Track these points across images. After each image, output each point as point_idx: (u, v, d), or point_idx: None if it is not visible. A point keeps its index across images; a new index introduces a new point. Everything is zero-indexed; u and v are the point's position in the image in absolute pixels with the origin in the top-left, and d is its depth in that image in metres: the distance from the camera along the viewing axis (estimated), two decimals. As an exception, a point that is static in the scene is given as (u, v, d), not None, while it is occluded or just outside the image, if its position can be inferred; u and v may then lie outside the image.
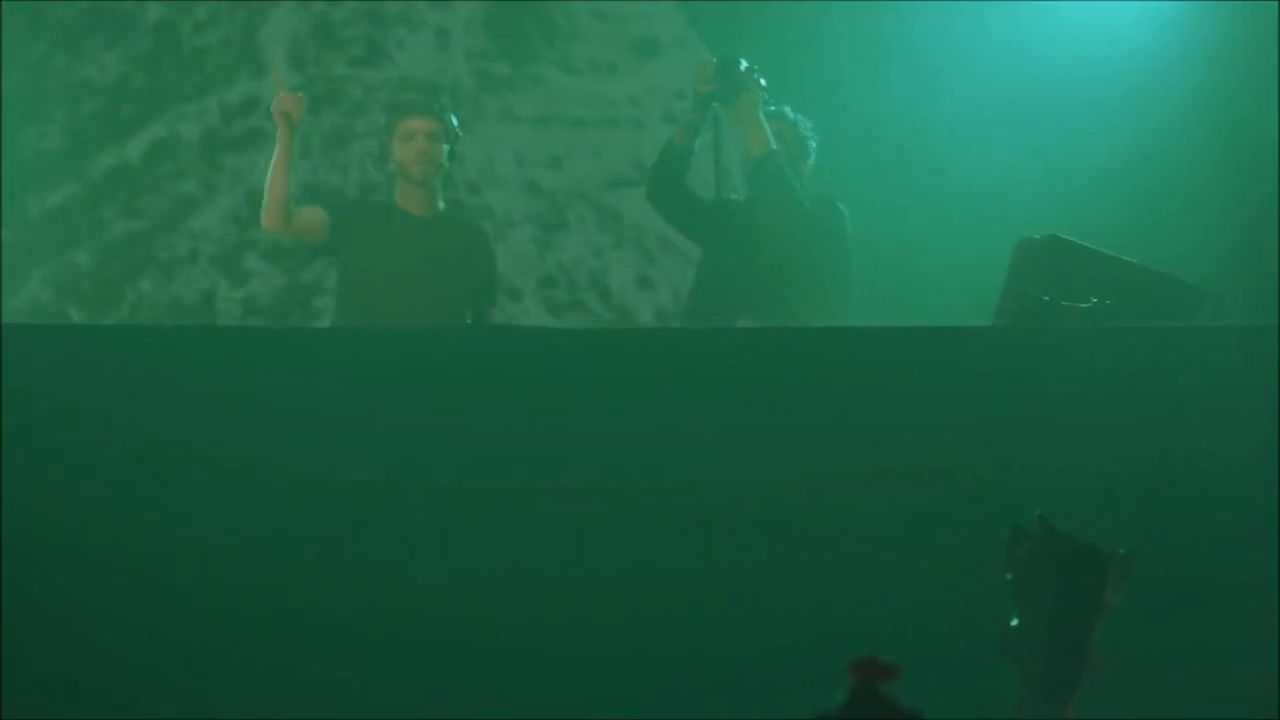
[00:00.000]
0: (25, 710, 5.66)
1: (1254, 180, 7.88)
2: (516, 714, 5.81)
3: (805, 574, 5.88)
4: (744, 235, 7.41)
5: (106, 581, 5.80)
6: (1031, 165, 8.25)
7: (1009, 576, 4.00)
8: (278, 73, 7.21)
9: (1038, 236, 6.63)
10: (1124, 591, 3.99)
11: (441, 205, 6.96)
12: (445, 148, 6.94)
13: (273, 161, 6.83)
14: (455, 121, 7.02)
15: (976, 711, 4.62)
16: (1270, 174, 7.77)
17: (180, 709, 5.77)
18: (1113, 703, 5.36)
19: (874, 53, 8.73)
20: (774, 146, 7.18)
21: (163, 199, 8.82)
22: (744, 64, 7.30)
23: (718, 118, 7.34)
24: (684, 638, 5.89)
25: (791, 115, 7.44)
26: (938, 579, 5.70)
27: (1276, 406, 5.98)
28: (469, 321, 6.36)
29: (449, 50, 9.06)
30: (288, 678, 5.78)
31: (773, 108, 7.29)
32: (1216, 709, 5.87)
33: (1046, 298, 6.32)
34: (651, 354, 6.32)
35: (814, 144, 7.40)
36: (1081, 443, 5.98)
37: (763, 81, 7.22)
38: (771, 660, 5.85)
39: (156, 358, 6.07)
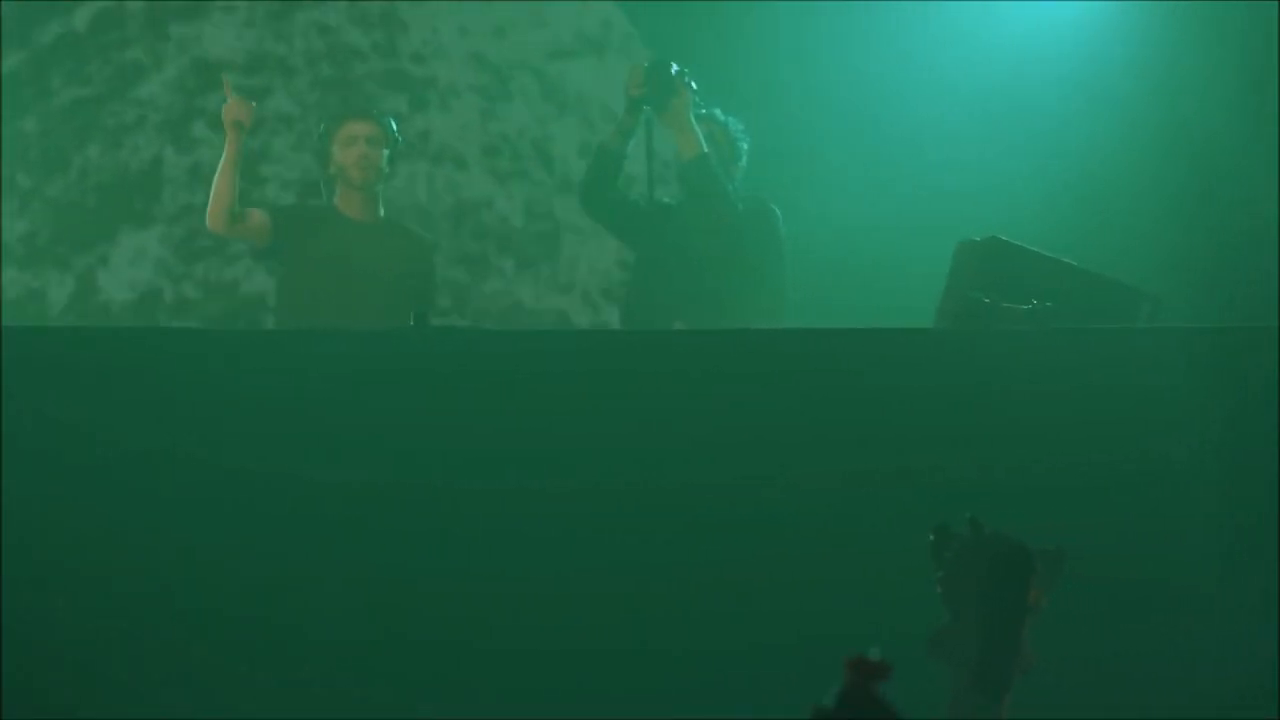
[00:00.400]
0: (24, 710, 5.68)
1: (1194, 183, 7.94)
2: (502, 712, 5.84)
3: (761, 572, 5.89)
4: (677, 237, 7.44)
5: (99, 580, 5.79)
6: (973, 167, 8.30)
7: (937, 577, 4.08)
8: (227, 84, 7.24)
9: (978, 238, 6.66)
10: (1057, 590, 4.07)
11: (382, 211, 7.01)
12: (385, 153, 6.97)
13: (220, 164, 6.88)
14: (395, 127, 7.07)
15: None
16: (1210, 176, 7.85)
17: (170, 708, 5.78)
18: (1062, 703, 5.71)
19: (819, 55, 8.76)
20: (705, 149, 7.21)
21: (109, 67, 8.80)
22: (675, 68, 7.34)
23: (649, 121, 7.37)
24: (657, 636, 5.90)
25: (722, 118, 7.47)
26: (884, 580, 5.66)
27: (1218, 407, 6.03)
28: (411, 324, 6.37)
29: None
30: (275, 674, 5.78)
31: (704, 111, 7.32)
32: (1167, 708, 5.90)
33: (987, 300, 6.37)
34: (603, 355, 6.34)
35: (745, 146, 7.43)
36: (1020, 443, 6.00)
37: (694, 85, 7.26)
38: (743, 658, 5.87)
39: (131, 358, 6.06)
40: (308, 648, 5.90)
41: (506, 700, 5.88)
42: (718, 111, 7.52)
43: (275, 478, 5.93)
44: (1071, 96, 8.27)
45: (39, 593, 5.84)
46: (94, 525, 5.89)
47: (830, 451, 6.09)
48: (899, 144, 8.57)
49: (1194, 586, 5.98)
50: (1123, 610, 6.04)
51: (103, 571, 5.87)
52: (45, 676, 5.80)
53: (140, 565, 5.88)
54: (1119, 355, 6.15)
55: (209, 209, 6.91)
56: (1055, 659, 5.47)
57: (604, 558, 5.98)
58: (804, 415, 6.09)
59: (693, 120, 7.28)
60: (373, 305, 6.83)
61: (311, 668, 5.88)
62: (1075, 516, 5.94)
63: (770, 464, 6.09)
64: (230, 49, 8.93)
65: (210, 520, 5.89)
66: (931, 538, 4.18)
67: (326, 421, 5.97)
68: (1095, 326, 6.39)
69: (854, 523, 5.77)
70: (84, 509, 5.89)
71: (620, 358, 6.35)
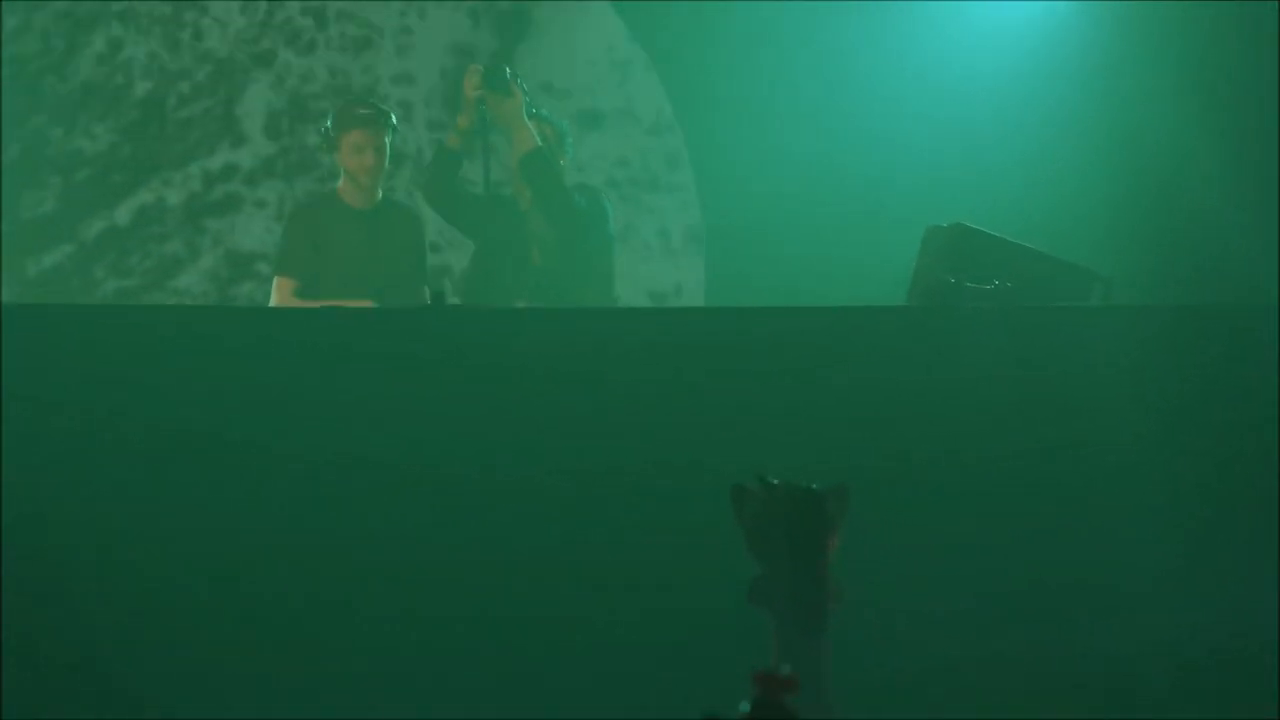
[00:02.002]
0: (25, 690, 5.70)
1: (1141, 173, 7.94)
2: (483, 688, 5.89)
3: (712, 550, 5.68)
4: (516, 225, 7.61)
5: (99, 557, 5.84)
6: (941, 160, 8.41)
7: (743, 532, 4.18)
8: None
9: (945, 224, 6.80)
10: (846, 522, 4.17)
11: (380, 195, 7.25)
12: (387, 148, 7.19)
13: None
14: (394, 120, 7.27)
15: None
16: (1156, 168, 7.85)
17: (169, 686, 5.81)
18: (990, 694, 5.94)
19: (795, 56, 8.92)
20: (539, 144, 7.39)
21: (149, 259, 9.02)
22: (509, 71, 7.54)
23: (485, 120, 7.56)
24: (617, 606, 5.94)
25: (548, 115, 7.70)
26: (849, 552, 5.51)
27: (1164, 378, 6.19)
28: (428, 301, 6.59)
29: None
30: (272, 644, 5.84)
31: (534, 111, 7.53)
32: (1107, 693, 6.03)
33: (953, 279, 6.50)
34: (586, 332, 6.37)
35: (570, 140, 7.67)
36: (981, 415, 6.13)
37: (524, 86, 7.48)
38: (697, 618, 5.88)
39: (136, 337, 6.14)
40: (311, 619, 5.92)
41: (479, 681, 5.91)
42: (544, 111, 7.77)
43: (276, 455, 5.98)
44: (1031, 95, 8.35)
45: (40, 573, 5.81)
46: (93, 504, 5.89)
47: (802, 424, 6.15)
48: (876, 140, 8.69)
49: (1147, 557, 6.08)
50: (1080, 584, 6.11)
51: (102, 549, 5.86)
52: (46, 655, 5.79)
53: (139, 541, 5.89)
54: (1074, 331, 6.31)
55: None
56: (1010, 637, 5.97)
57: (586, 531, 6.03)
58: (783, 390, 6.19)
59: (525, 119, 7.46)
60: (375, 280, 7.09)
61: (310, 641, 5.90)
62: (1033, 486, 6.10)
63: (754, 438, 6.14)
64: (260, 240, 9.11)
65: (214, 498, 5.94)
66: (731, 498, 4.26)
67: (311, 398, 6.02)
68: (1052, 305, 6.56)
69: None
70: (82, 488, 5.91)
71: (591, 335, 6.38)
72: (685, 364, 6.22)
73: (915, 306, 6.70)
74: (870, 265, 7.86)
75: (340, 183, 7.23)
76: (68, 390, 5.97)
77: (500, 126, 7.57)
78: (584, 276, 7.58)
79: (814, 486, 4.16)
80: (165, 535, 5.90)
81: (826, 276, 8.29)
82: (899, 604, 6.02)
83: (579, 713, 5.92)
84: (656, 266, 9.56)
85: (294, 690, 5.87)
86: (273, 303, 7.19)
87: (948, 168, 8.34)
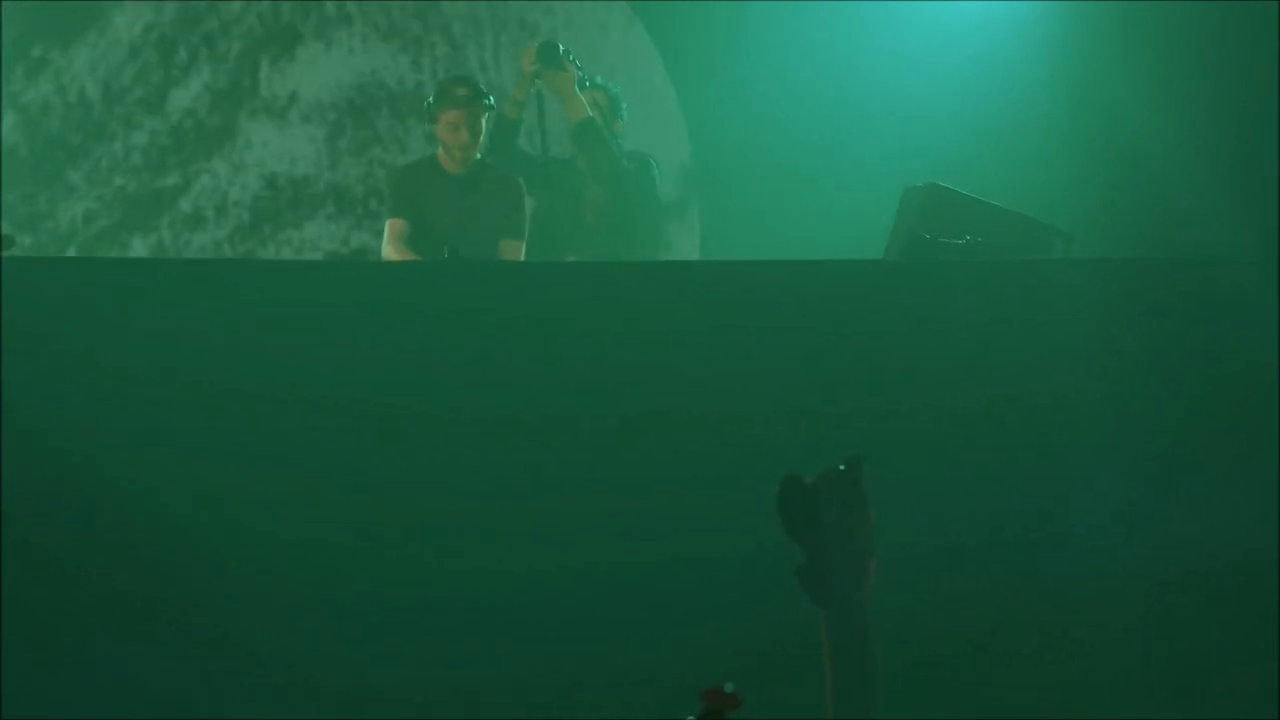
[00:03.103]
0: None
1: (1100, 140, 7.95)
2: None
3: (708, 495, 6.01)
4: (570, 189, 7.95)
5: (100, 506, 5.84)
6: (918, 127, 8.52)
7: (783, 525, 4.03)
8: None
9: (920, 184, 7.00)
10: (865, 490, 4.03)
11: (478, 156, 7.56)
12: (483, 124, 7.49)
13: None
14: (490, 100, 7.56)
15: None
16: (1111, 136, 7.87)
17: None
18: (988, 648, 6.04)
19: (796, 50, 9.06)
20: (590, 114, 7.75)
21: None
22: (562, 48, 7.89)
23: (541, 93, 7.92)
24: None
25: (602, 82, 8.03)
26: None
27: (1119, 323, 6.31)
28: (446, 256, 6.85)
29: None
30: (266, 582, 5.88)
31: (588, 83, 7.88)
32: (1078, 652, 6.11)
33: (928, 235, 6.67)
34: (610, 286, 6.45)
35: (624, 105, 7.99)
36: (954, 360, 6.26)
37: (578, 62, 7.83)
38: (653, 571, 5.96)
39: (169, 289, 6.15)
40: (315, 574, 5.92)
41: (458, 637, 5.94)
42: (598, 78, 8.08)
43: (274, 399, 5.98)
44: (1000, 69, 8.45)
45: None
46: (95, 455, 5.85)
47: (788, 371, 6.23)
48: (858, 109, 8.87)
49: (1111, 490, 6.19)
50: (1051, 517, 6.21)
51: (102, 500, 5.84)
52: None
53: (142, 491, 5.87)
54: (1039, 281, 6.45)
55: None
56: (988, 571, 6.05)
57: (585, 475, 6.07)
58: (771, 339, 6.26)
59: (578, 90, 7.82)
60: (471, 241, 7.35)
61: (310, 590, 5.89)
62: (1001, 423, 6.23)
63: (740, 385, 6.21)
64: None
65: (229, 448, 5.94)
66: (780, 491, 4.07)
67: (336, 348, 6.04)
68: (1018, 258, 6.69)
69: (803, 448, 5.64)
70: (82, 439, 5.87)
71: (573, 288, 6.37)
72: (676, 317, 6.26)
73: (893, 260, 6.84)
74: (852, 222, 8.03)
75: (439, 150, 7.58)
76: (123, 345, 5.96)
77: (556, 98, 7.88)
78: (632, 237, 7.88)
79: (843, 466, 4.07)
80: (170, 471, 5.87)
81: (811, 232, 8.43)
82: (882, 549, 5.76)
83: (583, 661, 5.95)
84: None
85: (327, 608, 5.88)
86: (385, 241, 7.50)
87: (923, 134, 8.45)
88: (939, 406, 6.21)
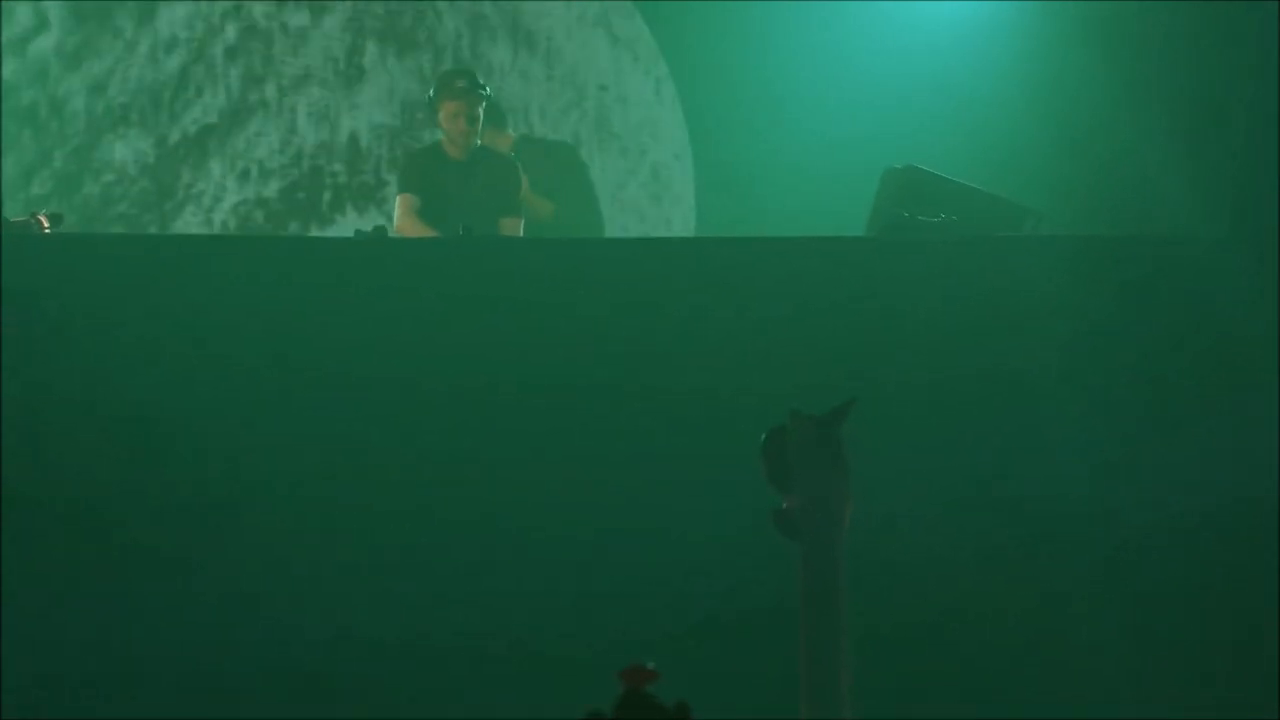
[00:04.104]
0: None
1: (1065, 125, 7.91)
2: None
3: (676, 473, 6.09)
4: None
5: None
6: (898, 113, 8.51)
7: (765, 472, 4.08)
8: None
9: (899, 166, 7.10)
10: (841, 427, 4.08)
11: (478, 142, 7.82)
12: (480, 114, 7.74)
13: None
14: (487, 91, 7.83)
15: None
16: (1075, 121, 7.84)
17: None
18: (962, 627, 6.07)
19: (792, 45, 9.10)
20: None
21: None
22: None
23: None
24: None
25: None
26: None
27: (1085, 296, 6.36)
28: (461, 233, 7.04)
29: None
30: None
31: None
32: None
33: (906, 214, 6.76)
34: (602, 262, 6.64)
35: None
36: (931, 329, 6.32)
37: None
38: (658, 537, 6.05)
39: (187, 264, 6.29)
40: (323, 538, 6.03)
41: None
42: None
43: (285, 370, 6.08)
44: (977, 65, 8.42)
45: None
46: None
47: (776, 340, 6.27)
48: (846, 102, 8.85)
49: (1084, 449, 6.21)
50: (1028, 477, 6.24)
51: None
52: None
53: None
54: (1010, 256, 6.52)
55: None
56: (970, 525, 6.13)
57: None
58: (760, 311, 6.33)
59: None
60: (473, 219, 7.49)
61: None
62: (974, 385, 6.30)
63: (733, 352, 6.26)
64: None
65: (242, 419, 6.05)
66: (766, 439, 4.09)
67: (348, 320, 6.15)
68: (991, 235, 6.80)
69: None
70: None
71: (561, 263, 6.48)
72: (676, 287, 6.35)
73: (874, 237, 6.96)
74: (835, 202, 8.09)
75: (442, 138, 7.84)
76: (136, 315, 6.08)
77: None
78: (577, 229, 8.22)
79: (827, 419, 4.08)
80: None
81: (796, 211, 8.43)
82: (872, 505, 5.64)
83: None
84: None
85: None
86: (397, 215, 7.75)
87: (902, 121, 8.46)
88: (917, 370, 6.28)
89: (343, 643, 6.01)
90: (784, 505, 4.07)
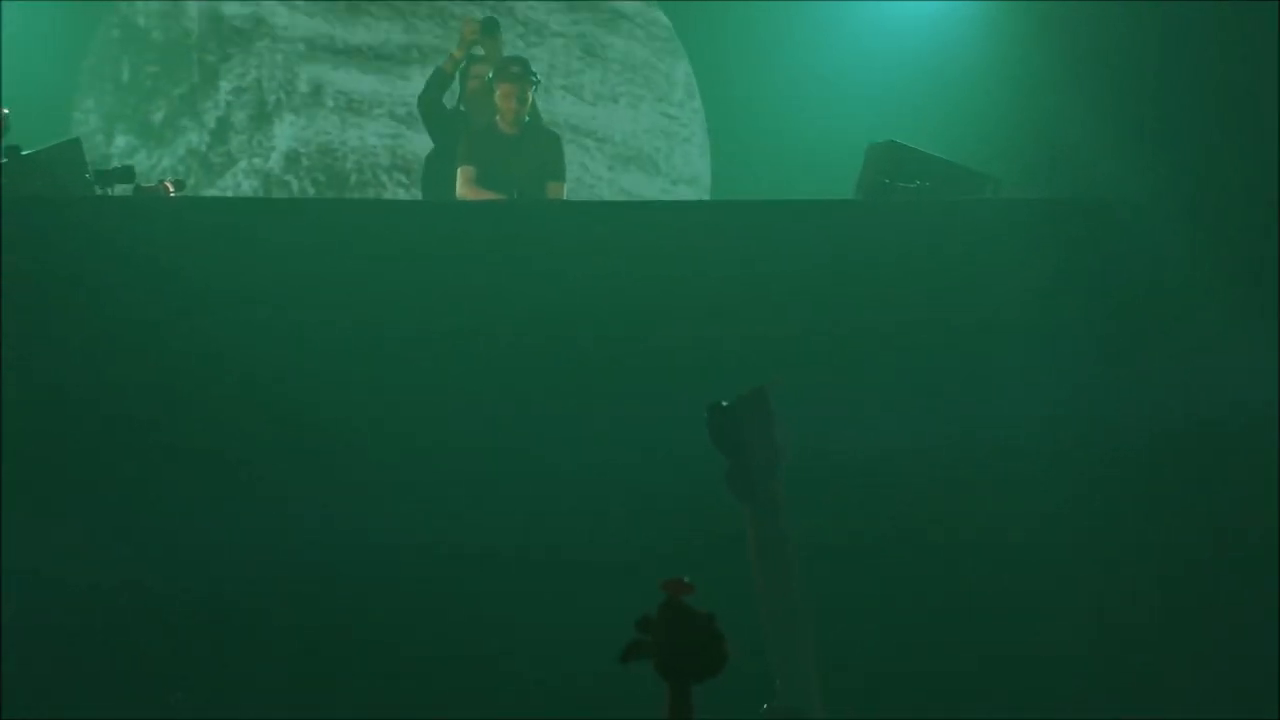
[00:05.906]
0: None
1: (1024, 108, 8.05)
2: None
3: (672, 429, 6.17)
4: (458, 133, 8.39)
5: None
6: (880, 99, 8.98)
7: (712, 440, 4.36)
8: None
9: (881, 141, 7.53)
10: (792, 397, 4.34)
11: (526, 119, 8.33)
12: (530, 95, 8.22)
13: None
14: (537, 77, 8.32)
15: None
16: (1031, 94, 7.98)
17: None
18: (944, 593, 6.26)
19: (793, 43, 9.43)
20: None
21: None
22: (499, 24, 8.63)
23: (472, 55, 8.54)
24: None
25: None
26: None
27: (1039, 256, 6.67)
28: (515, 197, 7.60)
29: None
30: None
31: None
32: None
33: (887, 181, 7.24)
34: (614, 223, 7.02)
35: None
36: (906, 279, 6.70)
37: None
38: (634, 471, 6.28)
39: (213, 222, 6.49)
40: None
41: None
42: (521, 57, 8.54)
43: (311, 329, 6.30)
44: (947, 56, 8.78)
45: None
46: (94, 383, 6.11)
47: (767, 295, 6.57)
48: (837, 87, 9.40)
49: (1036, 399, 6.48)
50: (981, 427, 6.48)
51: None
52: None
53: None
54: (972, 216, 7.01)
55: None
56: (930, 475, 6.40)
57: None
58: (755, 267, 6.67)
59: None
60: (526, 183, 8.00)
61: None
62: (941, 331, 6.61)
63: (724, 308, 6.56)
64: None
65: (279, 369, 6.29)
66: (708, 417, 4.35)
67: (381, 283, 6.43)
68: (957, 198, 7.23)
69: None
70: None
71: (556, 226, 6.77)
72: (691, 242, 6.72)
73: (859, 200, 7.43)
74: (827, 171, 8.51)
75: (496, 117, 8.43)
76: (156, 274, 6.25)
77: (486, 62, 8.58)
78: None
79: (764, 389, 4.28)
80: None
81: (794, 177, 8.82)
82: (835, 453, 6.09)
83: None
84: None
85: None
86: (458, 184, 8.17)
87: (884, 102, 8.96)
88: (897, 311, 6.61)
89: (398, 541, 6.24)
90: (729, 467, 4.32)
